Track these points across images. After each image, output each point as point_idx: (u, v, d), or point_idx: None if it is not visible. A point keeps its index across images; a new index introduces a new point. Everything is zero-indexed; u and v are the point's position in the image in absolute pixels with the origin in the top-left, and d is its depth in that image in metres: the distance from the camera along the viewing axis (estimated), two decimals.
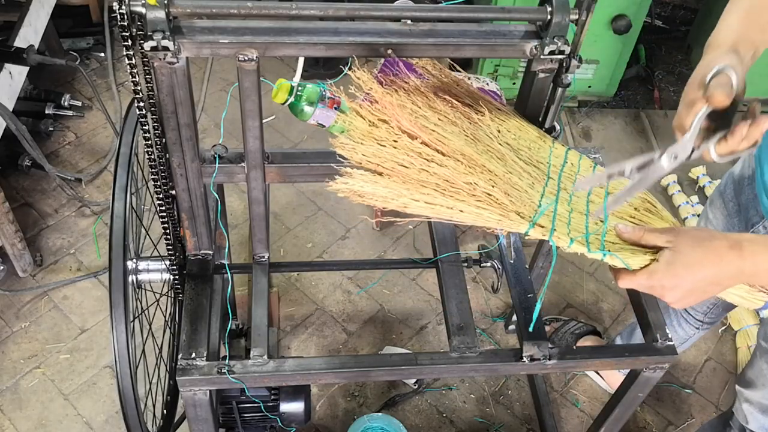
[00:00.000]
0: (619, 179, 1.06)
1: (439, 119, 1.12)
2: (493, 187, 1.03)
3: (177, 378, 1.22)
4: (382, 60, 2.44)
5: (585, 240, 1.02)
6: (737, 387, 1.55)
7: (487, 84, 2.39)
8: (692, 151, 1.00)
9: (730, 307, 1.71)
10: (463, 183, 1.01)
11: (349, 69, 1.15)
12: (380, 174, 1.01)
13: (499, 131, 1.19)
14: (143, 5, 0.99)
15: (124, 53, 1.06)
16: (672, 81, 3.21)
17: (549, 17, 1.09)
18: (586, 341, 2.11)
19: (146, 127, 1.18)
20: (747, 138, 0.97)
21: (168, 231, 1.34)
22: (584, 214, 1.10)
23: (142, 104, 1.14)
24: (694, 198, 2.65)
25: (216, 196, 1.35)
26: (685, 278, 0.97)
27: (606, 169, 1.06)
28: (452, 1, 1.12)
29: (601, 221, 1.08)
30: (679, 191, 2.65)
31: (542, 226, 1.01)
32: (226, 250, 1.60)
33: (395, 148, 1.03)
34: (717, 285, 0.99)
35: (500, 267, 1.56)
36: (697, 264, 0.97)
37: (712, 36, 1.08)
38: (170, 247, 1.36)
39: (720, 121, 0.97)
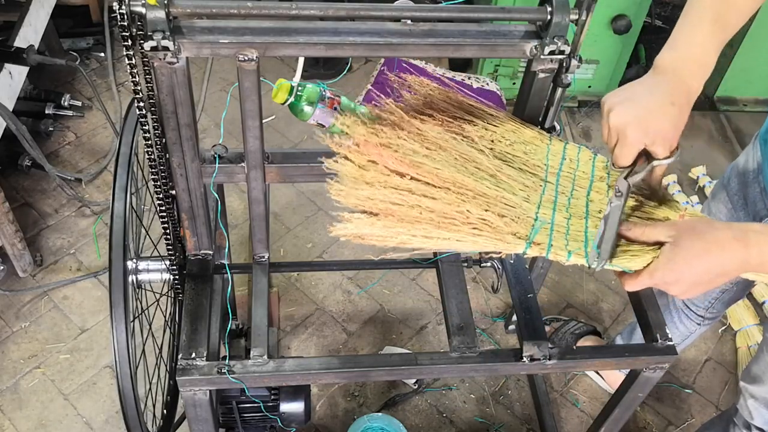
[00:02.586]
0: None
1: (427, 148, 1.11)
2: (486, 211, 1.04)
3: (177, 378, 1.22)
4: (382, 60, 2.44)
5: (584, 250, 1.02)
6: (741, 383, 1.55)
7: (487, 84, 2.39)
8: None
9: (732, 302, 1.71)
10: (456, 212, 1.03)
11: (349, 69, 1.15)
12: (376, 215, 1.02)
13: (492, 141, 1.18)
14: (143, 5, 0.99)
15: (124, 53, 1.06)
16: None
17: (549, 17, 1.09)
18: (586, 341, 2.11)
19: (146, 127, 1.18)
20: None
21: (168, 231, 1.34)
22: (584, 217, 1.09)
23: (142, 104, 1.14)
24: (694, 198, 2.65)
25: (216, 196, 1.35)
26: (686, 272, 0.97)
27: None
28: (452, 1, 1.12)
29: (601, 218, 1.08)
30: (679, 191, 2.65)
31: (539, 243, 1.03)
32: (226, 250, 1.60)
33: (386, 188, 1.04)
34: (722, 275, 0.98)
35: (500, 267, 1.56)
36: (697, 257, 0.96)
37: (677, 50, 1.08)
38: (170, 247, 1.36)
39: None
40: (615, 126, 1.05)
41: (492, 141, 1.18)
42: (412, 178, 1.05)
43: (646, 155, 1.07)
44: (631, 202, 1.13)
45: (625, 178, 1.07)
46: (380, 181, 1.04)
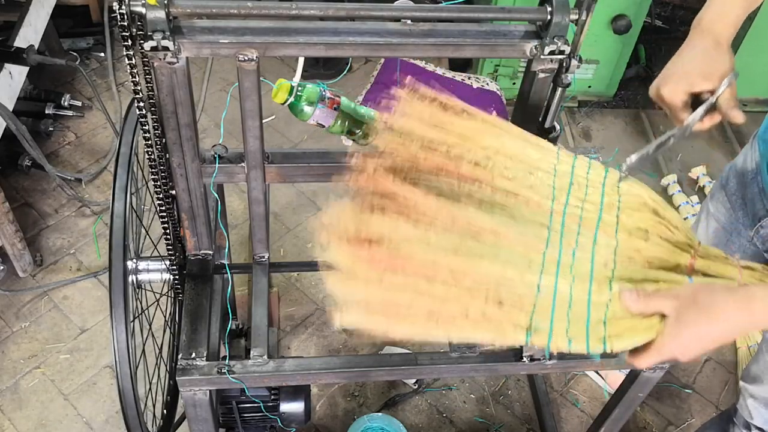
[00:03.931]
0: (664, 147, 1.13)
1: (421, 234, 1.02)
2: (485, 302, 1.01)
3: (177, 378, 1.22)
4: (382, 60, 2.44)
5: (585, 335, 1.00)
6: (741, 383, 1.55)
7: (487, 84, 2.39)
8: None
9: None
10: (455, 311, 1.01)
11: (349, 69, 1.15)
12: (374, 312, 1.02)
13: (492, 177, 1.07)
14: (143, 5, 0.99)
15: (124, 53, 1.06)
16: None
17: (549, 17, 1.09)
18: None
19: (146, 127, 1.18)
20: (713, 121, 1.15)
21: (168, 231, 1.34)
22: (588, 280, 1.03)
23: (142, 104, 1.14)
24: (694, 198, 2.65)
25: (216, 196, 1.35)
26: (692, 346, 0.98)
27: (638, 153, 1.10)
28: (452, 1, 1.12)
29: (606, 283, 1.03)
30: (679, 191, 2.65)
31: (539, 330, 1.01)
32: (226, 250, 1.60)
33: (379, 288, 1.01)
34: (727, 338, 0.99)
35: None
36: (703, 332, 0.96)
37: (708, 16, 1.19)
38: (170, 247, 1.36)
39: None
40: (653, 92, 1.17)
41: (492, 188, 1.07)
42: (405, 273, 1.01)
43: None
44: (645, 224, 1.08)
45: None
46: (373, 279, 1.01)
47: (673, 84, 1.15)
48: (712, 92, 1.13)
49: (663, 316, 0.98)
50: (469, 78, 2.43)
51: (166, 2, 1.00)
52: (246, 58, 1.07)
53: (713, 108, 1.13)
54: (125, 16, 1.00)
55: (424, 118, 1.09)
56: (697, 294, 0.97)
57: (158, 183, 1.27)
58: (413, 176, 1.06)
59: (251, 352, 1.28)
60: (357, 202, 1.04)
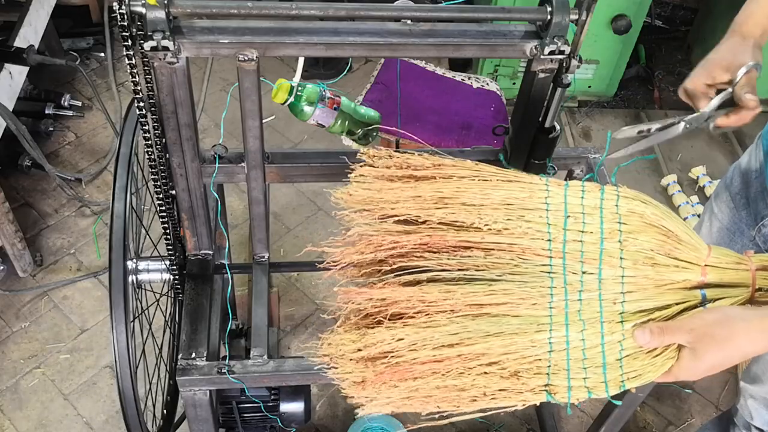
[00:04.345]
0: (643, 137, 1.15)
1: (422, 335, 0.99)
2: (501, 378, 0.99)
3: (177, 378, 1.22)
4: (382, 60, 2.44)
5: (603, 381, 0.99)
6: (741, 384, 1.55)
7: (487, 84, 2.39)
8: (704, 121, 1.14)
9: None
10: (472, 391, 1.00)
11: (349, 69, 1.14)
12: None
13: (484, 250, 1.03)
14: (143, 5, 0.99)
15: (124, 53, 1.06)
16: (672, 81, 3.20)
17: (549, 17, 1.09)
18: None
19: (146, 127, 1.18)
20: (742, 119, 1.14)
21: (168, 231, 1.34)
22: (599, 320, 1.00)
23: (142, 104, 1.14)
24: (694, 198, 2.65)
25: (216, 196, 1.35)
26: (708, 373, 0.98)
27: (636, 126, 1.12)
28: (452, 1, 1.12)
29: (617, 321, 1.00)
30: (679, 191, 2.65)
31: (557, 386, 1.00)
32: (226, 250, 1.60)
33: (392, 389, 1.01)
34: (742, 360, 1.02)
35: None
36: (720, 363, 0.96)
37: (740, 18, 1.21)
38: (170, 247, 1.36)
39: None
40: (680, 90, 1.20)
41: (481, 236, 1.02)
42: (415, 378, 1.00)
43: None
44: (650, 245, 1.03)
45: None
46: (388, 387, 1.01)
47: (695, 76, 1.17)
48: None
49: (679, 345, 0.97)
50: (469, 78, 2.42)
51: (166, 2, 1.00)
52: (246, 58, 1.07)
53: (732, 101, 1.13)
54: (125, 16, 1.00)
55: (396, 196, 1.04)
56: (713, 326, 0.95)
57: (158, 183, 1.27)
58: (399, 263, 1.03)
59: (251, 352, 1.28)
60: (350, 317, 1.04)
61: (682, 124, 1.14)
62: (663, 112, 3.06)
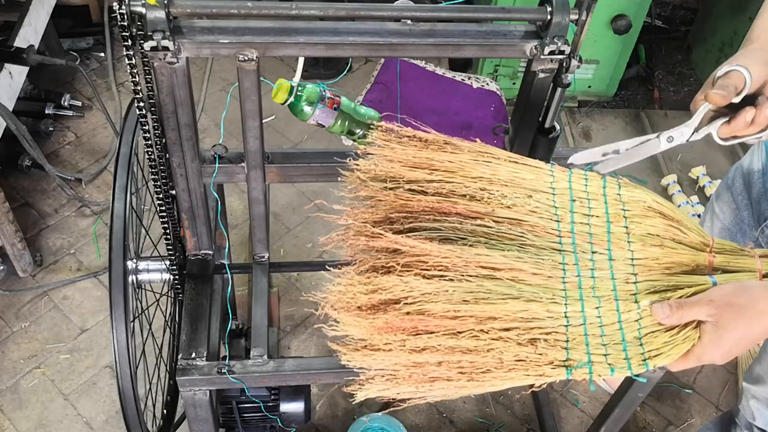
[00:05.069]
0: (613, 156, 1.06)
1: (436, 287, 0.95)
2: (518, 345, 0.94)
3: (177, 378, 1.22)
4: (382, 60, 2.44)
5: (626, 360, 0.96)
6: (744, 384, 1.55)
7: (487, 84, 2.39)
8: (692, 135, 1.04)
9: None
10: (487, 359, 0.94)
11: (349, 69, 1.14)
12: (397, 377, 0.95)
13: (495, 220, 1.02)
14: (143, 5, 0.99)
15: (124, 53, 1.06)
16: (672, 81, 3.20)
17: (549, 17, 1.09)
18: None
19: (146, 127, 1.18)
20: (754, 124, 0.98)
21: (168, 231, 1.34)
22: (613, 298, 0.99)
23: (142, 104, 1.14)
24: (694, 198, 2.65)
25: (216, 196, 1.35)
26: (733, 350, 0.95)
27: (601, 147, 1.04)
28: (452, 1, 1.12)
29: (632, 300, 0.99)
30: (679, 191, 2.65)
31: (576, 360, 0.96)
32: (226, 250, 1.60)
33: (403, 353, 0.94)
34: (766, 335, 0.97)
35: None
36: (744, 336, 0.93)
37: (749, 30, 1.13)
38: (170, 247, 1.36)
39: (734, 110, 1.00)
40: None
41: (492, 208, 1.02)
42: (428, 334, 0.94)
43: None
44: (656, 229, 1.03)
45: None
46: (393, 343, 0.94)
47: (698, 93, 1.06)
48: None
49: (698, 322, 0.95)
50: (469, 78, 2.43)
51: (166, 2, 1.00)
52: (246, 58, 1.07)
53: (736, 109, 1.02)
54: (125, 16, 1.00)
55: (408, 159, 1.03)
56: (733, 295, 0.93)
57: (158, 183, 1.27)
58: (410, 224, 1.00)
59: (251, 352, 1.28)
60: (360, 265, 0.98)
61: (664, 138, 1.05)
62: (663, 112, 3.06)
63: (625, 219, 1.03)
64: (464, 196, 1.02)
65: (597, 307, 0.98)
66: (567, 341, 0.96)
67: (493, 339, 0.94)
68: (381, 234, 0.97)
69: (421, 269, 0.96)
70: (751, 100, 0.99)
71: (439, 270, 0.96)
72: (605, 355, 0.97)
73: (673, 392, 2.14)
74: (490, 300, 0.95)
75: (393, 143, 1.05)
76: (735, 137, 1.01)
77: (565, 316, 0.97)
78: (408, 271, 0.96)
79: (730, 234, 1.52)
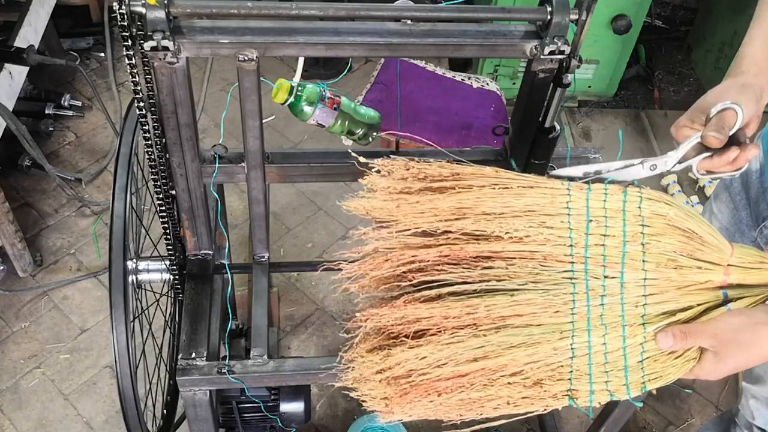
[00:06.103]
0: (595, 178, 1.04)
1: (446, 352, 0.99)
2: (525, 388, 1.00)
3: (177, 378, 1.22)
4: (382, 60, 2.44)
5: (624, 382, 1.00)
6: (743, 384, 1.55)
7: (487, 84, 2.39)
8: (674, 165, 1.04)
9: None
10: (496, 398, 1.00)
11: (349, 69, 1.14)
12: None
13: (506, 260, 1.01)
14: (143, 5, 0.99)
15: (124, 53, 1.06)
16: (672, 81, 3.21)
17: (549, 17, 1.09)
18: None
19: (146, 127, 1.18)
20: (733, 162, 1.02)
21: (168, 231, 1.34)
22: (620, 324, 1.00)
23: (142, 104, 1.14)
24: (694, 198, 2.65)
25: (216, 196, 1.35)
26: (729, 373, 0.98)
27: (583, 167, 1.03)
28: (452, 1, 1.12)
29: (639, 324, 1.00)
30: (679, 191, 2.65)
31: (579, 390, 1.00)
32: (226, 250, 1.60)
33: (417, 404, 1.02)
34: (761, 362, 0.99)
35: None
36: (741, 366, 0.97)
37: (736, 58, 1.13)
38: (170, 247, 1.36)
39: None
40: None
41: (502, 246, 1.01)
42: (440, 394, 1.00)
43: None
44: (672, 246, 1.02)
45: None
46: (413, 403, 1.02)
47: (679, 120, 1.07)
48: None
49: (700, 347, 0.98)
50: (469, 78, 2.43)
51: (166, 2, 1.00)
52: (246, 58, 1.07)
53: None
54: (125, 16, 1.00)
55: (414, 208, 1.01)
56: (738, 332, 0.95)
57: (158, 183, 1.27)
58: (420, 279, 1.01)
59: (251, 352, 1.28)
60: (372, 337, 1.03)
61: (647, 165, 1.04)
62: (663, 112, 3.06)
63: (642, 236, 1.01)
64: (474, 234, 1.01)
65: (603, 335, 1.00)
66: (571, 372, 1.00)
67: (501, 386, 0.99)
68: (387, 310, 1.01)
69: (430, 333, 1.00)
70: (732, 137, 1.01)
71: (448, 331, 0.99)
72: (606, 381, 1.00)
73: (673, 392, 2.14)
74: (497, 352, 0.99)
75: (396, 192, 1.03)
76: (712, 172, 1.04)
77: (571, 348, 1.00)
78: (420, 335, 1.01)
79: (728, 234, 1.51)
